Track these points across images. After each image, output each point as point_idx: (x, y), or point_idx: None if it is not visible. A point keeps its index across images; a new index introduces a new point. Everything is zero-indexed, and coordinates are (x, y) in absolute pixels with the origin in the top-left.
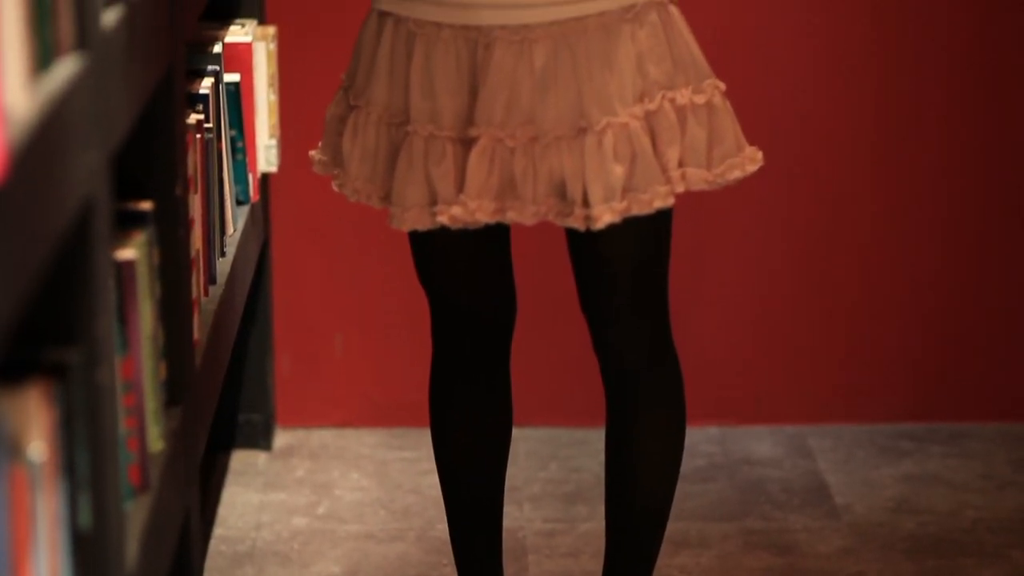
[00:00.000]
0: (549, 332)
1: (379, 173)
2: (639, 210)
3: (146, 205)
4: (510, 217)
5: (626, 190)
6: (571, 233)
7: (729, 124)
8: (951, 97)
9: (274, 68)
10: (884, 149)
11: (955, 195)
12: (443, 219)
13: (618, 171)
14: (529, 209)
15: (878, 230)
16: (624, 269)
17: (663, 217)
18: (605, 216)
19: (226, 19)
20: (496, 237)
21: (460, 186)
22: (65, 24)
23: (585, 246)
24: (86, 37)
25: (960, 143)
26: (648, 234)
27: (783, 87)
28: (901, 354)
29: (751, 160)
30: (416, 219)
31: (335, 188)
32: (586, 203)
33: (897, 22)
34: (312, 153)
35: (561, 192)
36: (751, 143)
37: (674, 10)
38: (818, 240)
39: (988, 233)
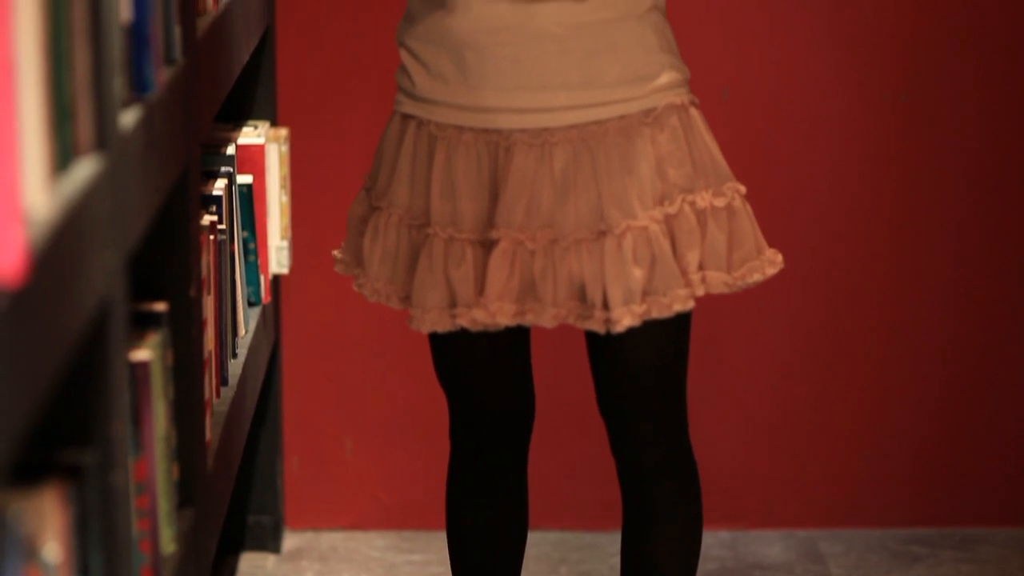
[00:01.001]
0: (558, 435)
1: (399, 274)
2: (659, 313)
3: (160, 306)
4: (530, 320)
5: (646, 293)
6: (590, 335)
7: (749, 227)
8: (963, 204)
9: (286, 170)
10: (896, 254)
11: (964, 300)
12: (463, 322)
13: (638, 274)
14: (549, 312)
15: (888, 335)
16: (644, 372)
17: (682, 321)
18: (625, 319)
19: (239, 120)
20: (516, 338)
21: (480, 289)
22: (84, 125)
23: (605, 348)
24: (105, 138)
25: (971, 250)
26: (667, 337)
27: (797, 190)
28: (912, 458)
29: (771, 263)
30: (436, 321)
31: (355, 288)
32: (606, 306)
33: (913, 130)
34: (335, 253)
35: (581, 295)
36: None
37: (695, 113)
38: (828, 345)
39: (997, 339)
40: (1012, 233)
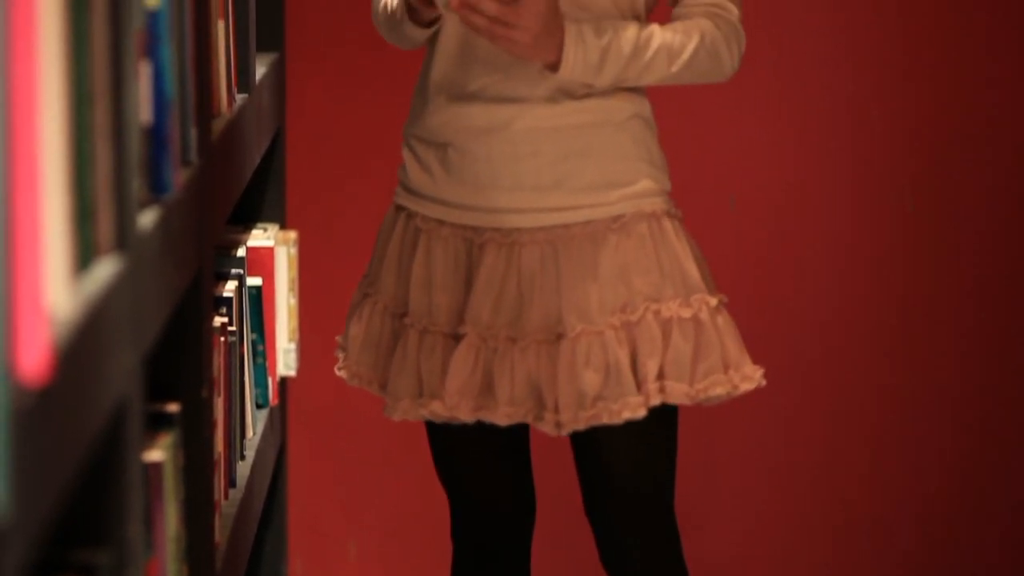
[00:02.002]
0: (562, 534)
1: (380, 362)
2: (608, 419)
3: (172, 406)
4: (486, 416)
5: (598, 399)
6: (575, 438)
7: (716, 340)
8: (967, 315)
9: (294, 272)
10: (899, 364)
11: (965, 409)
12: (425, 413)
13: (590, 379)
14: (503, 410)
15: (890, 448)
16: (625, 478)
17: (666, 427)
18: (572, 423)
19: (249, 223)
20: (515, 437)
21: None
22: (104, 225)
23: (587, 452)
24: (124, 238)
25: (974, 360)
26: (650, 443)
27: (802, 298)
28: (911, 570)
29: (745, 379)
30: (406, 410)
31: (336, 371)
32: (557, 408)
33: (919, 240)
34: (338, 338)
35: (538, 396)
36: (759, 361)
37: (669, 223)
38: (828, 456)
39: (998, 448)
40: (1016, 345)
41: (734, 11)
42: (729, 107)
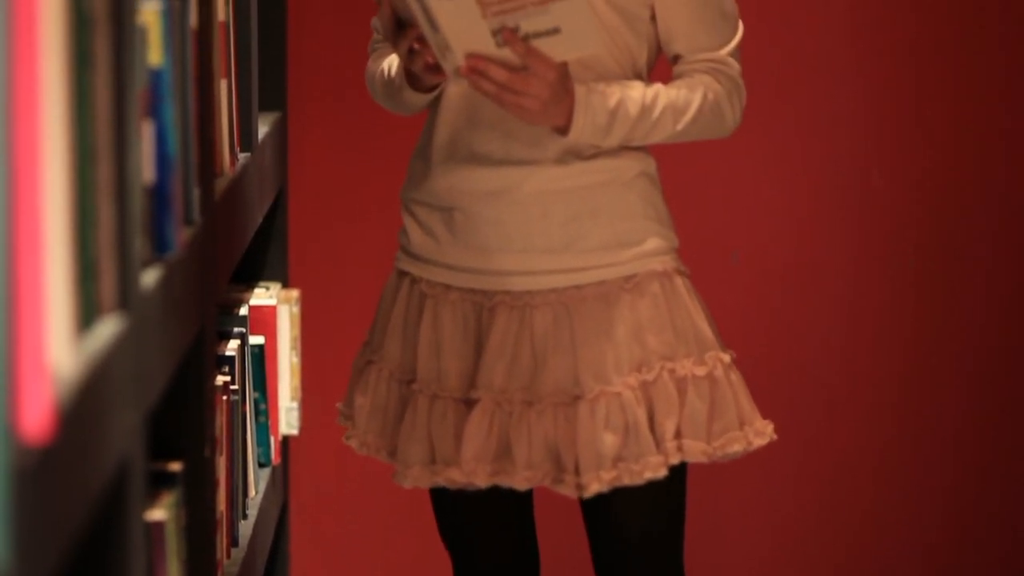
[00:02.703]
0: None
1: (388, 429)
2: (630, 480)
3: (175, 466)
4: (504, 480)
5: (618, 459)
6: (583, 498)
7: (731, 397)
8: (970, 373)
9: (297, 331)
10: (901, 421)
11: (966, 469)
12: (441, 480)
13: (609, 440)
14: (522, 474)
15: (893, 507)
16: (633, 537)
17: (674, 486)
18: (593, 485)
19: (252, 282)
20: (516, 496)
21: (460, 447)
22: (107, 284)
23: (596, 510)
24: (127, 297)
25: (975, 418)
26: (658, 502)
27: (805, 353)
28: None
29: (758, 434)
30: (418, 477)
31: (344, 440)
32: (577, 470)
33: (921, 295)
34: (338, 405)
35: (556, 458)
36: (766, 415)
37: (680, 281)
38: (832, 514)
39: (999, 511)
40: (1017, 403)
41: (735, 66)
42: (731, 163)
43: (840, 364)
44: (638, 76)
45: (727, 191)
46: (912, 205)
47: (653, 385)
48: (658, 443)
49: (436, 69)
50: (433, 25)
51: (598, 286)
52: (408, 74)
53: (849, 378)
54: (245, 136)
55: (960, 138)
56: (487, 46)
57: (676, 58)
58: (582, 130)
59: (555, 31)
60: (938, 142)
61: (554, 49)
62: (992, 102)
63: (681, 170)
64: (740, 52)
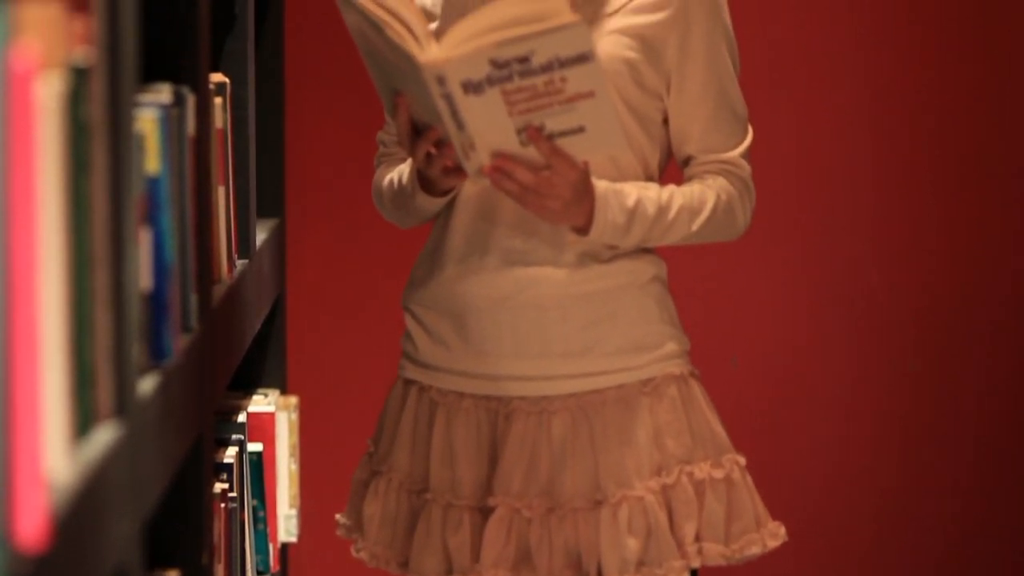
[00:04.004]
0: None
1: (399, 540)
2: None
3: (172, 574)
4: None
5: (641, 564)
6: None
7: (748, 499)
8: (966, 475)
9: (295, 438)
10: (900, 523)
11: (966, 567)
12: None
13: (632, 545)
14: None
15: None
16: None
17: None
18: None
19: (250, 388)
20: None
21: (477, 556)
22: (104, 391)
23: None
24: (124, 405)
25: (973, 519)
26: None
27: (804, 458)
28: None
29: (772, 535)
30: None
31: (353, 553)
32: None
33: (920, 399)
34: (338, 517)
35: (577, 564)
36: (772, 517)
37: (694, 384)
38: None
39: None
40: (1015, 503)
41: (746, 168)
42: (732, 266)
43: (837, 469)
44: (651, 178)
45: (724, 296)
46: (912, 306)
47: (673, 488)
48: (679, 546)
49: (453, 172)
50: (458, 123)
51: (617, 390)
52: (422, 180)
53: (847, 481)
54: (243, 243)
55: (959, 239)
56: (511, 144)
57: (688, 160)
58: (602, 230)
59: (579, 130)
60: (937, 243)
61: (577, 148)
62: (991, 203)
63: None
64: (750, 154)
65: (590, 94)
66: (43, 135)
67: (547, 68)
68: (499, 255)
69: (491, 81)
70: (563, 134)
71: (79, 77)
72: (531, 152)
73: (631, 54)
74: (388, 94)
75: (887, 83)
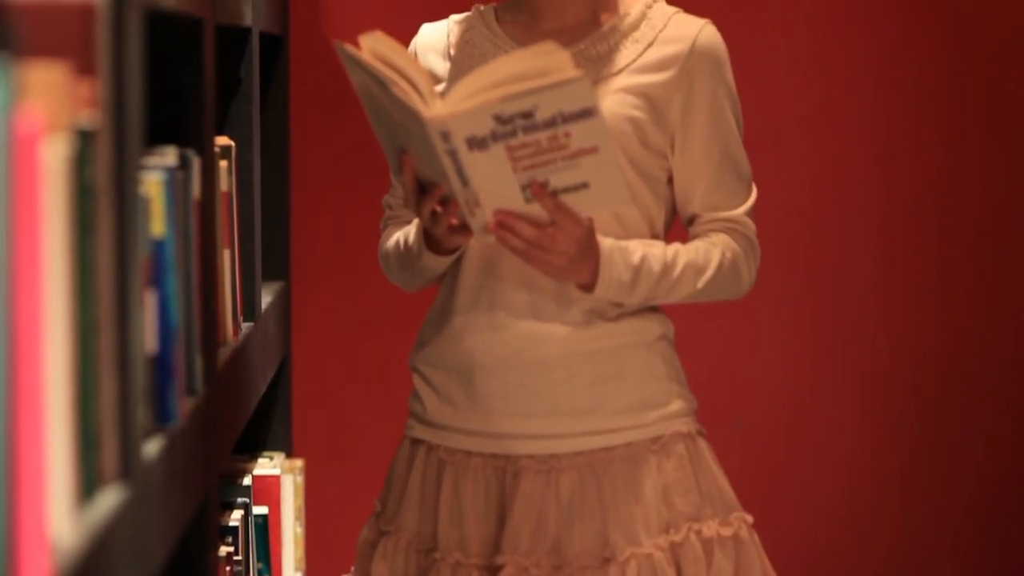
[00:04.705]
0: None
1: None
2: None
3: None
4: None
5: None
6: None
7: (756, 557)
8: (969, 534)
9: (301, 501)
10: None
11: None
12: None
13: None
14: None
15: None
16: None
17: None
18: None
19: (255, 451)
20: None
21: None
22: (109, 454)
23: None
24: (129, 468)
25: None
26: None
27: (810, 518)
28: None
29: None
30: None
31: None
32: None
33: (923, 460)
34: None
35: None
36: (780, 574)
37: (702, 442)
38: None
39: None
40: (1017, 563)
41: (751, 226)
42: (738, 328)
43: (847, 526)
44: (656, 236)
45: (729, 360)
46: (916, 370)
47: (681, 547)
48: None
49: (458, 230)
50: (463, 179)
51: (625, 447)
52: (428, 239)
53: (855, 540)
54: (248, 305)
55: (963, 305)
56: (516, 201)
57: (692, 218)
58: (607, 287)
59: (584, 186)
60: (941, 308)
61: (582, 204)
62: (994, 270)
63: (687, 336)
64: (755, 212)
65: (594, 150)
66: (48, 198)
67: (551, 123)
68: (506, 312)
69: (495, 137)
70: (567, 190)
71: (85, 140)
72: (536, 208)
73: (636, 113)
74: (393, 153)
75: (893, 150)
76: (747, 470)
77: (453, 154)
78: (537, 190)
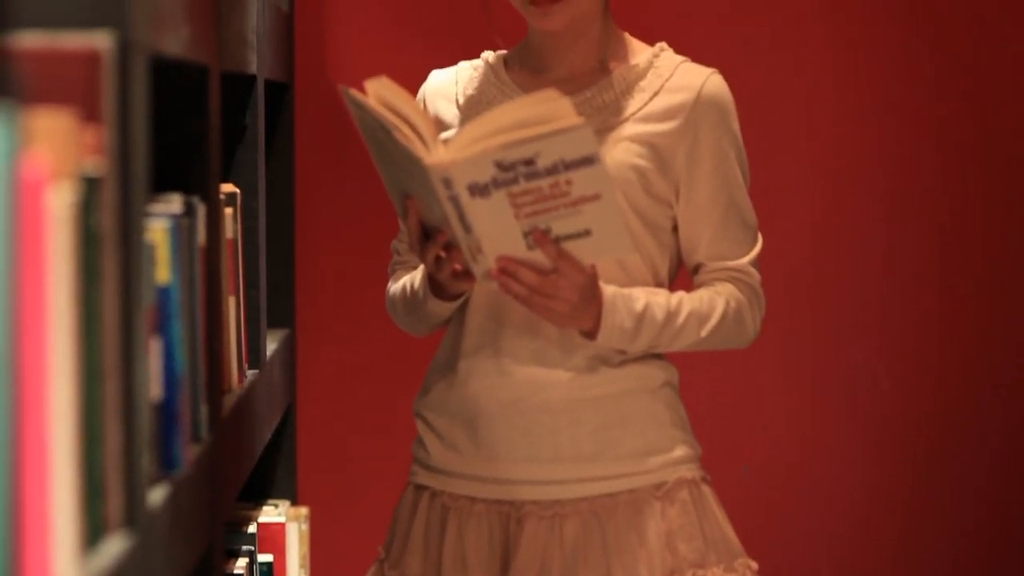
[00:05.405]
0: None
1: None
2: None
3: None
4: None
5: None
6: None
7: None
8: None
9: (306, 549)
10: None
11: None
12: None
13: None
14: None
15: None
16: None
17: None
18: None
19: (260, 499)
20: None
21: None
22: (114, 502)
23: None
24: (134, 515)
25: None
26: None
27: (816, 563)
28: None
29: None
30: None
31: None
32: None
33: (931, 507)
34: None
35: None
36: None
37: (706, 489)
38: None
39: None
40: None
41: (755, 276)
42: (743, 375)
43: (849, 574)
44: (660, 285)
45: (734, 407)
46: (921, 413)
47: None
48: None
49: (463, 276)
50: (466, 226)
51: (629, 493)
52: (433, 284)
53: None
54: (253, 353)
55: (969, 348)
56: (518, 247)
57: (697, 267)
58: (610, 334)
59: (586, 233)
60: (946, 352)
61: (584, 251)
62: (999, 313)
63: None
64: (760, 262)
65: (596, 197)
66: (54, 244)
67: (552, 171)
68: (510, 357)
69: (497, 184)
70: (569, 237)
71: (90, 187)
72: (538, 255)
73: (641, 162)
74: (399, 198)
75: (898, 194)
76: (752, 517)
77: (455, 200)
78: (539, 237)
